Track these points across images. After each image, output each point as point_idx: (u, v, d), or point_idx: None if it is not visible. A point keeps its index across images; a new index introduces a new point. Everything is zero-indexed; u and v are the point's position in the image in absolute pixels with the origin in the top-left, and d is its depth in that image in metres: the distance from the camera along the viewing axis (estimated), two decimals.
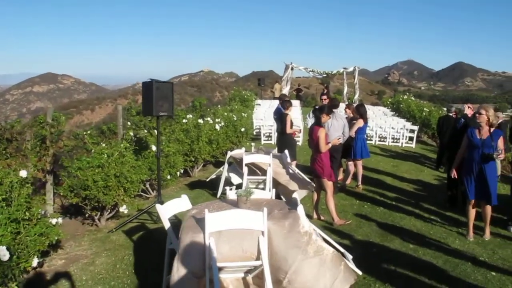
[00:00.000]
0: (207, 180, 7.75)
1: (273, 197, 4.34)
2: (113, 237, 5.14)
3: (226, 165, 7.03)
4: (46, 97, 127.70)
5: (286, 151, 6.80)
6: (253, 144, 8.68)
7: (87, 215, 5.57)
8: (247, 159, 6.25)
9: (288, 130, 7.55)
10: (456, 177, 5.43)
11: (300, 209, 3.55)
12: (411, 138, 14.19)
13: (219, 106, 15.27)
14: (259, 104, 21.31)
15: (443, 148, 9.38)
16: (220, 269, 3.04)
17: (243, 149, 7.25)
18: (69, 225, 5.47)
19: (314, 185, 5.95)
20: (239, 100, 19.33)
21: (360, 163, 7.69)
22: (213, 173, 7.83)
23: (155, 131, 6.20)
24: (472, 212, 5.17)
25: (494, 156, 4.86)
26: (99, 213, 5.52)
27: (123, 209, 5.52)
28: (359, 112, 7.68)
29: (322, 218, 5.89)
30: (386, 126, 14.89)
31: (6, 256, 3.21)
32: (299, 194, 4.96)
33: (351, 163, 7.72)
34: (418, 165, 10.64)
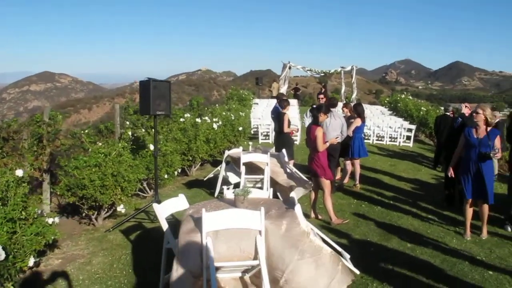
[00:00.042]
0: (205, 179, 7.73)
1: (271, 196, 4.34)
2: (110, 237, 5.12)
3: (223, 164, 7.02)
4: (43, 95, 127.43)
5: (284, 150, 6.80)
6: (250, 143, 8.69)
7: (84, 215, 5.55)
8: (245, 158, 6.24)
9: (286, 129, 7.55)
10: (453, 176, 5.44)
11: (298, 208, 3.54)
12: (408, 137, 14.22)
13: (216, 105, 15.24)
14: (257, 103, 21.35)
15: (441, 147, 9.41)
16: (217, 268, 3.03)
17: (241, 148, 7.24)
18: (66, 224, 5.46)
19: (312, 184, 5.95)
20: (236, 99, 19.32)
21: (357, 162, 7.72)
22: (211, 172, 7.81)
23: (153, 130, 6.19)
24: (470, 211, 5.18)
25: (491, 155, 4.87)
26: (96, 213, 5.51)
27: (120, 208, 5.51)
28: (357, 111, 7.69)
29: (319, 217, 5.89)
30: (384, 125, 14.90)
31: (2, 255, 3.19)
32: (296, 193, 4.95)
33: (348, 162, 7.72)
34: (415, 164, 10.65)
